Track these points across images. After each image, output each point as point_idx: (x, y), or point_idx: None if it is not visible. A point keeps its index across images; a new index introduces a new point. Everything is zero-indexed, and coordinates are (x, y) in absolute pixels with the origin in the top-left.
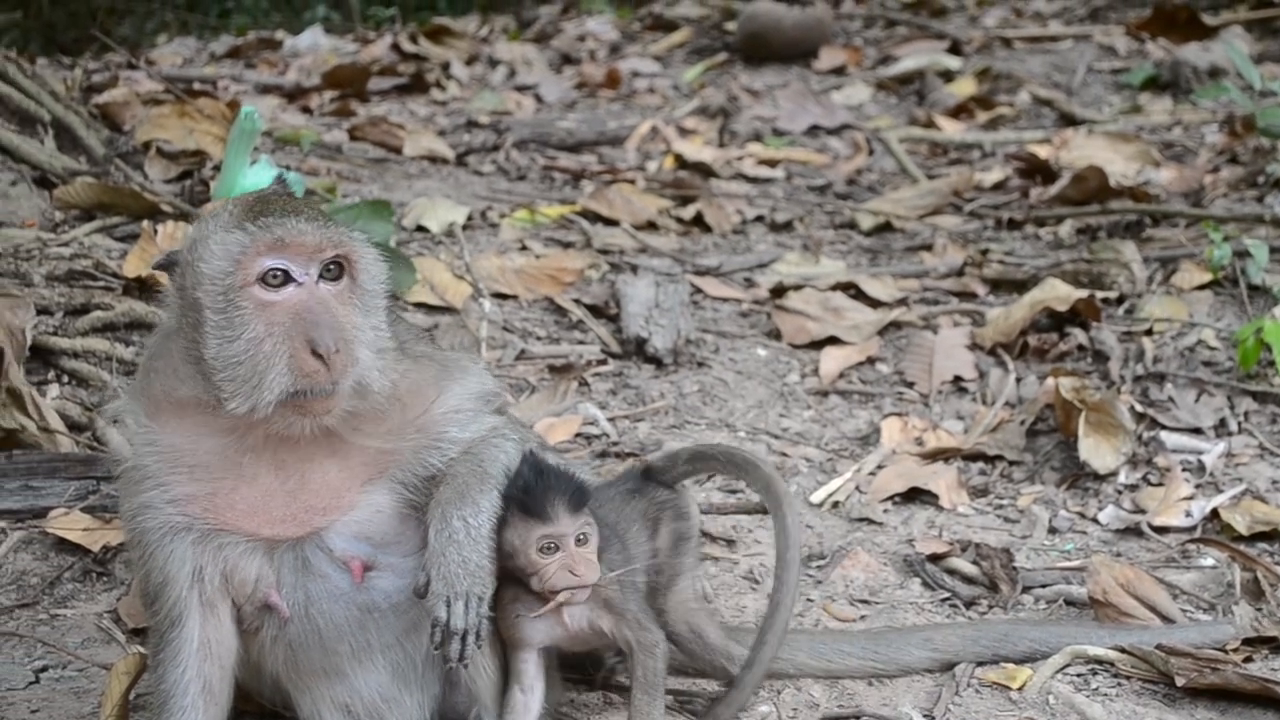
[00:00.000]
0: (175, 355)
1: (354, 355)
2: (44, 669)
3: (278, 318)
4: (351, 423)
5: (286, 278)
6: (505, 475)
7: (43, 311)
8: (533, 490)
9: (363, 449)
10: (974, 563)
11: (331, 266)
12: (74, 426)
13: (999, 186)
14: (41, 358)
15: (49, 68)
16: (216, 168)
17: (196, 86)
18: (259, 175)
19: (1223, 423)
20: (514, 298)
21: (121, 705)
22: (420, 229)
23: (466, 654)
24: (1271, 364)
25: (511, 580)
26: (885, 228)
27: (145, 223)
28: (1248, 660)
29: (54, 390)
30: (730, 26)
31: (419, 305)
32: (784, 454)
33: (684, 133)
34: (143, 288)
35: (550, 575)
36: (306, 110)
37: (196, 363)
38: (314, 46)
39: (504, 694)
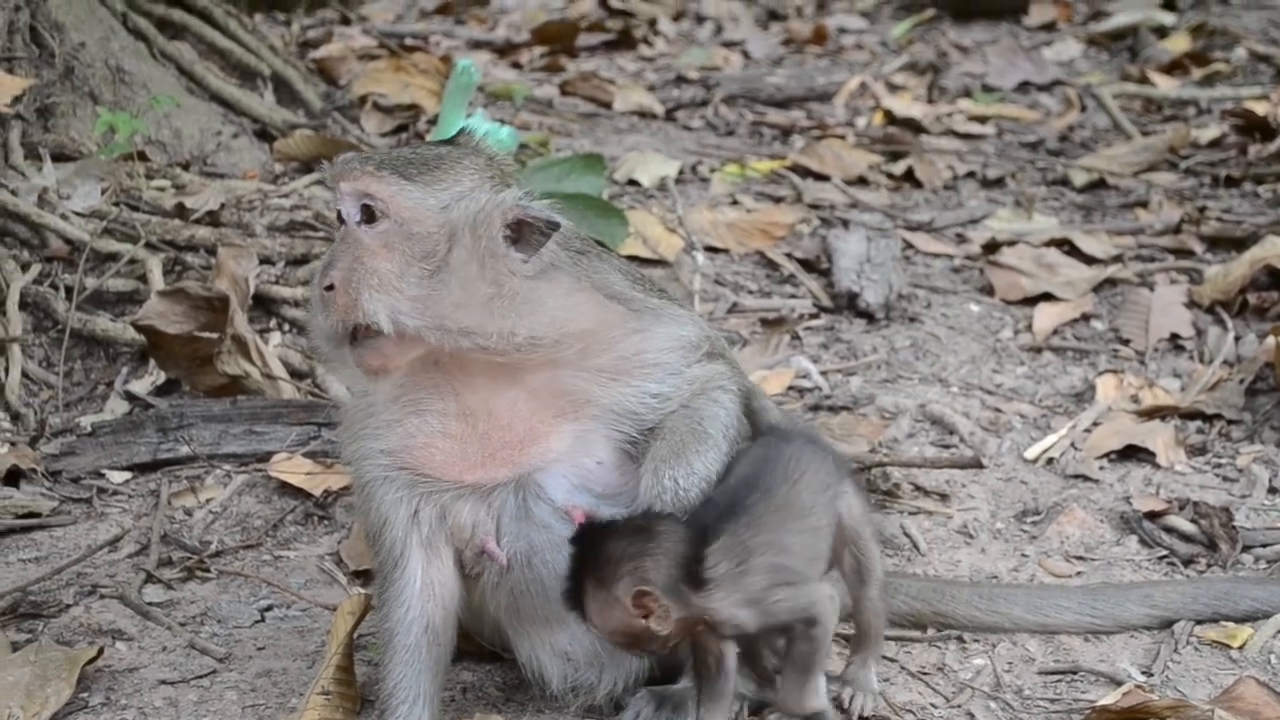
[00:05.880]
0: None
1: (352, 297)
2: (269, 608)
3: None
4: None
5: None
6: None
7: (265, 261)
8: None
9: (544, 379)
10: (1192, 521)
11: (366, 209)
12: (295, 373)
13: (1215, 143)
14: (264, 306)
15: (265, 23)
16: (431, 121)
17: (409, 42)
18: (475, 128)
19: None
20: (725, 251)
21: (346, 644)
22: (632, 182)
23: None
24: None
25: None
26: (1099, 184)
27: None
28: None
29: (276, 338)
30: None
31: (632, 258)
32: (998, 410)
33: (893, 89)
34: None
35: None
36: (517, 66)
37: None
38: (521, 3)
39: None
